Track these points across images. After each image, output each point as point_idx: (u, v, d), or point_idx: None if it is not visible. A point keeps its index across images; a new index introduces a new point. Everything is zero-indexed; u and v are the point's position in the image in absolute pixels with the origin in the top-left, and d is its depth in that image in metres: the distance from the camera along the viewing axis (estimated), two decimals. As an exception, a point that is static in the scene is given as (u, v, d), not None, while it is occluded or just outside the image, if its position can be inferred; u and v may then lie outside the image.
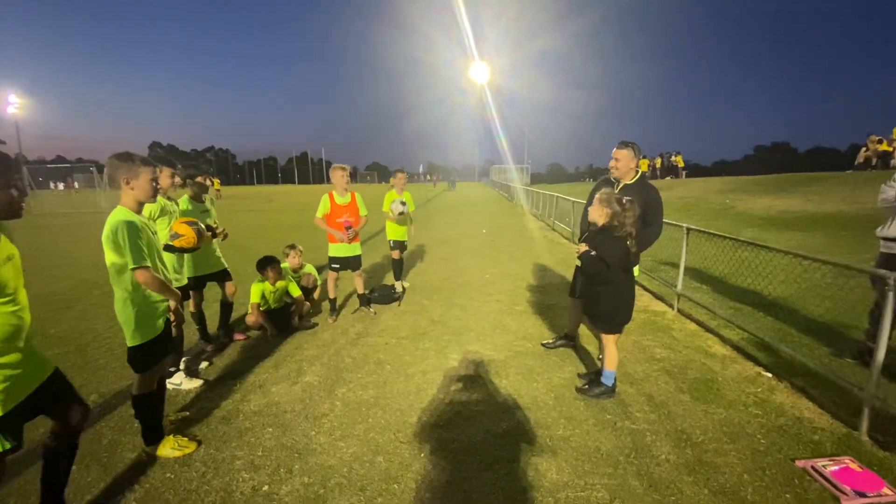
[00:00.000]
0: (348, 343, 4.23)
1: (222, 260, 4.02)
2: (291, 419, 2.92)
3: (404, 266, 6.77)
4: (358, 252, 4.90)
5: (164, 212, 3.41)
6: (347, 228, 4.67)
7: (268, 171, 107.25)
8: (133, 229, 2.25)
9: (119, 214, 2.28)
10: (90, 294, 6.01)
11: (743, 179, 19.25)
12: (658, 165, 28.46)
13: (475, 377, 3.48)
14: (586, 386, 3.21)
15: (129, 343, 2.36)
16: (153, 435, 2.54)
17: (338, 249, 4.77)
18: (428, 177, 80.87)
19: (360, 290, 5.08)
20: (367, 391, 3.28)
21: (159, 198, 3.23)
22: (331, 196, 4.67)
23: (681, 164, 27.86)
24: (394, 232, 6.02)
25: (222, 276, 4.02)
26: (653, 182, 3.69)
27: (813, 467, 2.33)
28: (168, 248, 3.04)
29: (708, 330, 4.43)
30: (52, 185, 49.69)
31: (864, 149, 17.40)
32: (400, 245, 6.08)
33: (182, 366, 3.42)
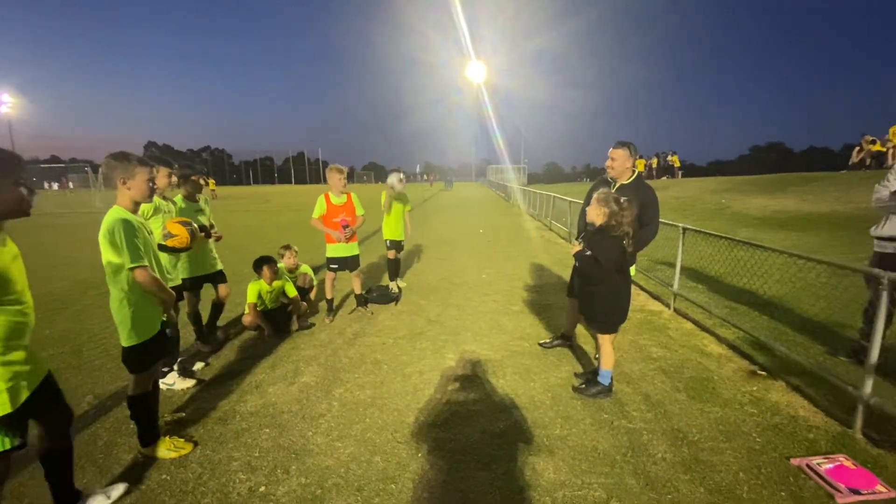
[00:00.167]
0: (345, 343, 4.22)
1: (218, 261, 4.01)
2: (288, 420, 2.91)
3: (401, 266, 6.77)
4: (356, 252, 4.89)
5: (157, 210, 3.39)
6: (345, 227, 4.66)
7: (264, 171, 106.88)
8: (130, 228, 2.25)
9: (116, 214, 2.28)
10: (86, 295, 5.98)
11: (738, 179, 19.36)
12: (654, 165, 28.56)
13: (472, 377, 3.49)
14: (583, 385, 3.22)
15: (125, 343, 2.35)
16: (149, 436, 2.52)
17: (336, 250, 4.77)
18: (425, 177, 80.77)
19: (358, 291, 5.08)
20: (364, 391, 3.28)
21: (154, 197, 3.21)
22: (327, 197, 4.66)
23: (677, 164, 27.98)
24: (390, 231, 5.96)
25: (217, 278, 4.01)
26: (649, 182, 3.71)
27: (808, 465, 2.34)
28: (161, 247, 3.03)
29: (704, 329, 4.45)
30: (46, 185, 49.36)
31: (857, 148, 17.54)
32: (396, 245, 6.02)
33: (176, 366, 3.40)
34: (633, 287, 3.30)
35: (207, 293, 4.07)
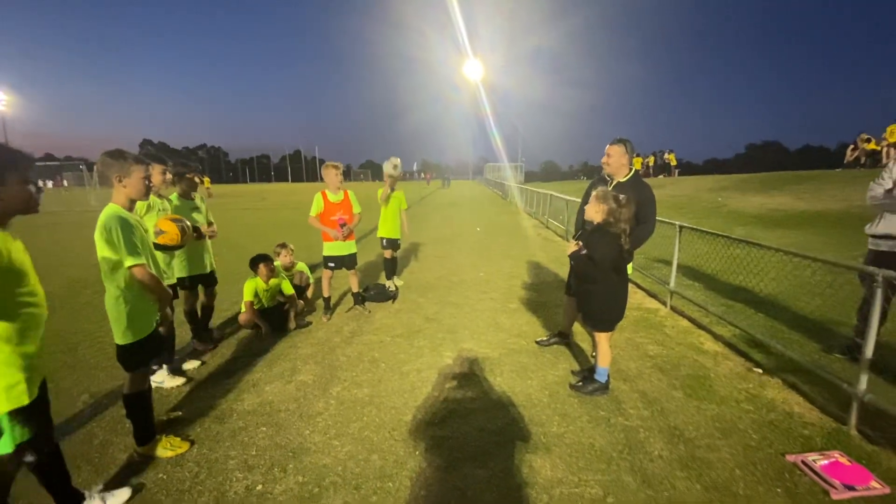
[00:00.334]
0: (343, 341, 4.22)
1: (213, 262, 3.99)
2: (285, 418, 2.91)
3: (399, 264, 6.75)
4: (353, 250, 4.88)
5: (151, 208, 3.37)
6: (342, 226, 4.65)
7: (261, 168, 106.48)
8: (127, 226, 2.25)
9: (112, 211, 2.27)
10: (81, 293, 5.94)
11: (735, 178, 19.44)
12: (651, 164, 28.62)
13: (469, 375, 3.49)
14: (580, 383, 3.23)
15: (121, 341, 2.34)
16: (145, 435, 2.51)
17: (333, 248, 4.75)
18: (421, 174, 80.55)
19: (355, 289, 5.07)
20: (361, 389, 3.27)
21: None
22: (324, 194, 4.65)
23: (673, 163, 28.06)
24: (386, 229, 5.82)
25: (209, 280, 3.99)
26: (646, 180, 3.71)
27: (803, 461, 2.36)
28: (153, 245, 3.02)
29: (700, 327, 4.47)
30: (41, 183, 48.89)
31: (851, 147, 17.63)
32: (393, 244, 5.89)
33: (166, 364, 3.39)
34: (629, 285, 3.30)
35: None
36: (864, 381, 2.62)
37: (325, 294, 4.88)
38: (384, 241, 5.87)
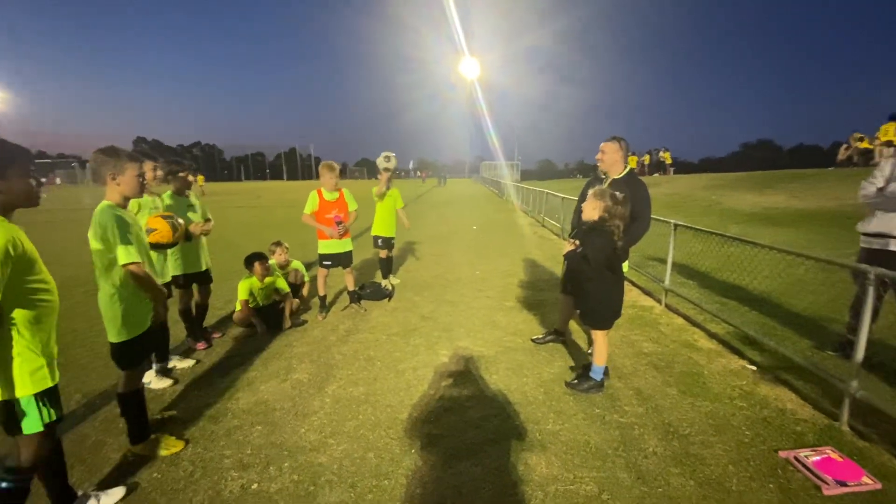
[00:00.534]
0: (338, 340, 4.21)
1: (209, 261, 3.97)
2: (281, 417, 2.90)
3: (395, 263, 6.73)
4: (349, 248, 4.86)
5: (142, 207, 3.35)
6: (338, 224, 4.63)
7: (255, 166, 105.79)
8: (123, 224, 2.23)
9: (106, 209, 2.25)
10: (73, 293, 5.88)
11: (729, 176, 19.55)
12: (647, 162, 28.70)
13: (465, 373, 3.49)
14: (575, 380, 3.24)
15: (115, 339, 2.32)
16: (140, 434, 2.49)
17: (328, 246, 4.74)
18: (417, 173, 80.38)
19: (351, 287, 5.05)
20: (357, 388, 3.27)
21: None
22: (319, 192, 4.63)
23: (668, 161, 28.14)
24: (381, 227, 5.76)
25: (203, 278, 3.97)
26: (641, 178, 3.72)
27: (796, 458, 2.38)
28: None
29: (694, 324, 4.50)
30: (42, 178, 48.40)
31: (844, 146, 17.76)
32: (388, 243, 5.83)
33: (155, 365, 3.37)
34: (624, 283, 3.32)
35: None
36: (856, 378, 2.65)
37: (321, 292, 4.86)
38: (379, 239, 5.83)
